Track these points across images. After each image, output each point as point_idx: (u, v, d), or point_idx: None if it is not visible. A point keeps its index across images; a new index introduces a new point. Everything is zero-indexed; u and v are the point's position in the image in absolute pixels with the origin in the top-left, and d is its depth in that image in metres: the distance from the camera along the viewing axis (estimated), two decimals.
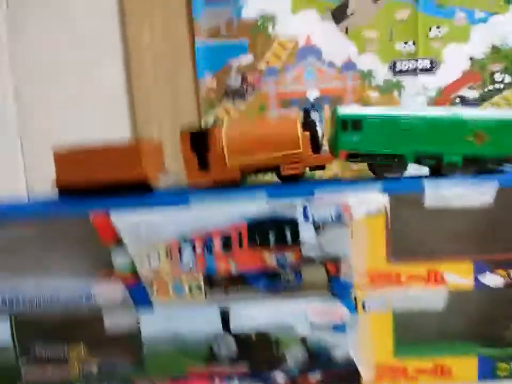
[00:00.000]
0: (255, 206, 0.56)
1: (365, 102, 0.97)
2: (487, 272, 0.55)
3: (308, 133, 0.64)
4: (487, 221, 0.61)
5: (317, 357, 0.57)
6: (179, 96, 0.98)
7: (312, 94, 0.98)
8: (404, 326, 0.57)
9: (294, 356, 0.58)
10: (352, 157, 0.61)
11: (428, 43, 0.95)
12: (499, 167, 0.61)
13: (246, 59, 0.97)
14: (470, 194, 0.55)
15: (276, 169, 0.63)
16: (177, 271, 0.58)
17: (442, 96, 0.96)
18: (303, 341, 0.57)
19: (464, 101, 0.97)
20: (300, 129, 0.63)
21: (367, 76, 0.96)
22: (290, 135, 0.62)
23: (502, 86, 0.97)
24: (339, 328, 0.56)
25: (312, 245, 0.55)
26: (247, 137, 0.63)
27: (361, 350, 0.58)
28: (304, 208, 0.53)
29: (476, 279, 0.56)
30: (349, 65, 0.96)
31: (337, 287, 0.57)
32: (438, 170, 0.62)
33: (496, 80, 0.97)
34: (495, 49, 0.95)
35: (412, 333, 0.58)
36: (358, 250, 0.56)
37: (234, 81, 0.98)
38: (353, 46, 0.95)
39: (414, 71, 0.95)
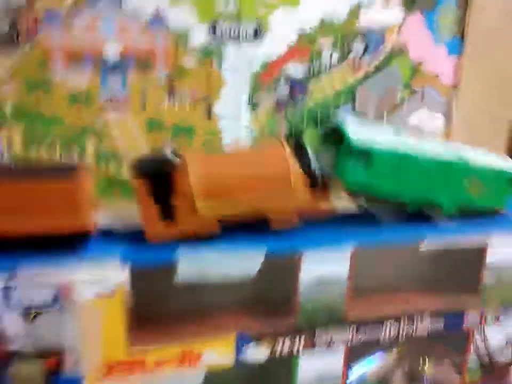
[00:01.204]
0: None
1: (180, 71, 0.79)
2: (251, 344, 0.48)
3: (304, 175, 0.49)
4: (253, 291, 0.53)
5: None
6: None
7: (112, 51, 0.76)
8: None
9: None
10: (354, 195, 0.51)
11: (253, 4, 0.80)
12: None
13: None
14: (232, 263, 0.46)
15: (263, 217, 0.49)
16: None
17: (268, 71, 0.85)
18: None
19: (290, 80, 0.87)
20: (293, 169, 0.48)
21: (181, 36, 0.78)
22: (281, 177, 0.47)
23: (330, 64, 0.90)
24: None
25: (21, 337, 0.38)
26: (224, 178, 0.47)
27: None
28: (5, 289, 0.35)
29: (237, 354, 0.49)
30: (158, 20, 0.77)
31: None
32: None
33: (324, 56, 0.89)
34: (325, 22, 0.86)
35: None
36: (89, 338, 0.43)
37: None
38: None
39: (237, 38, 0.81)
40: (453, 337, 0.58)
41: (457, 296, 0.57)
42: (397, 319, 0.54)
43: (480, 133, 1.11)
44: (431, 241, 0.52)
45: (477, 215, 0.55)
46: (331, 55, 0.88)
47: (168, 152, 0.48)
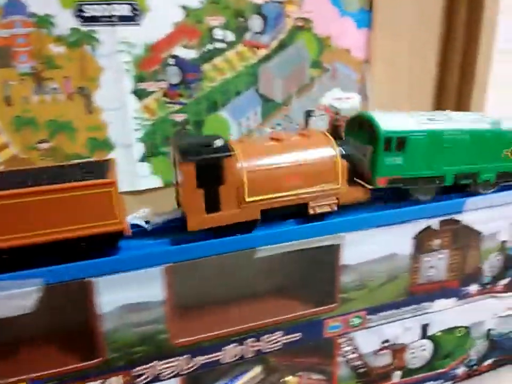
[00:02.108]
0: None
1: (47, 61, 0.72)
2: None
3: (345, 162, 0.50)
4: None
5: None
6: None
7: None
8: None
9: None
10: (394, 183, 0.51)
11: None
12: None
13: None
14: None
15: (301, 206, 0.48)
16: None
17: (152, 55, 0.77)
18: None
19: (180, 63, 0.80)
20: (339, 157, 0.49)
21: (44, 22, 0.70)
22: (328, 165, 0.48)
23: (224, 45, 0.83)
24: None
25: None
26: (273, 167, 0.47)
27: None
28: None
29: None
30: (15, 5, 0.68)
31: None
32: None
33: (216, 37, 0.82)
34: None
35: None
36: None
37: None
38: None
39: (110, 20, 0.73)
40: (316, 346, 0.52)
41: (313, 302, 0.51)
42: (243, 336, 0.48)
43: (401, 107, 1.07)
44: (267, 247, 0.45)
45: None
46: (224, 34, 0.82)
47: (217, 139, 0.46)
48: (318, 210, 0.49)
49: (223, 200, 0.45)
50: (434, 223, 0.53)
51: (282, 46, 0.87)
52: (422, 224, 0.52)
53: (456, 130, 0.52)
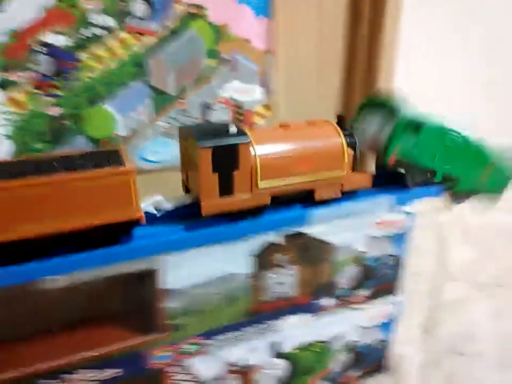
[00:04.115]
0: None
1: None
2: None
3: (351, 151, 0.53)
4: None
5: None
6: None
7: None
8: None
9: None
10: (398, 165, 0.55)
11: None
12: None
13: None
14: None
15: (308, 192, 0.51)
16: None
17: (18, 42, 0.70)
18: None
19: (53, 51, 0.73)
20: (345, 146, 0.52)
21: None
22: (335, 153, 0.51)
23: (103, 31, 0.77)
24: None
25: None
26: (284, 154, 0.49)
27: None
28: None
29: None
30: None
31: None
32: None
33: (93, 22, 0.76)
34: None
35: None
36: None
37: None
38: None
39: None
40: (145, 378, 0.48)
41: (135, 332, 0.46)
42: (51, 375, 0.43)
43: (306, 102, 1.03)
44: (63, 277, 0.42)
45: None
46: (103, 19, 0.75)
47: (231, 126, 0.47)
48: (325, 197, 0.51)
49: (236, 185, 0.47)
50: (277, 237, 0.50)
51: (173, 34, 0.81)
52: (261, 240, 0.49)
53: (458, 133, 0.57)
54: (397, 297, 0.62)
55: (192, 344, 0.48)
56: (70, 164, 0.41)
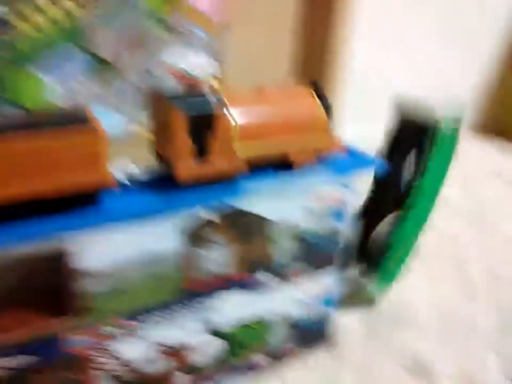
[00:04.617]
0: None
1: None
2: None
3: (327, 116, 0.52)
4: None
5: None
6: None
7: None
8: None
9: None
10: None
11: None
12: None
13: None
14: None
15: (284, 157, 0.51)
16: None
17: None
18: None
19: None
20: (321, 111, 0.51)
21: None
22: (312, 118, 0.51)
23: None
24: None
25: None
26: (260, 119, 0.48)
27: None
28: None
29: None
30: None
31: None
32: None
33: None
34: None
35: None
36: None
37: None
38: None
39: None
40: (63, 363, 0.44)
41: (48, 316, 0.43)
42: None
43: (259, 76, 1.00)
44: None
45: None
46: None
47: (207, 92, 0.46)
48: (301, 162, 0.51)
49: (212, 150, 0.46)
50: (210, 213, 0.48)
51: None
52: (192, 215, 0.46)
53: None
54: (337, 271, 0.62)
55: (115, 326, 0.46)
56: (30, 124, 0.37)
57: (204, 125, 0.44)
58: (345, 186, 0.55)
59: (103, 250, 0.42)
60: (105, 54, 0.82)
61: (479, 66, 1.52)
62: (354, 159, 0.55)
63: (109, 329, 0.46)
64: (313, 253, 0.57)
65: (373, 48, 1.15)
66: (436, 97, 0.65)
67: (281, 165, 0.51)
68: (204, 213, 0.47)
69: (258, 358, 0.60)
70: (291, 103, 0.51)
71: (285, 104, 0.50)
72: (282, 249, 0.55)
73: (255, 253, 0.53)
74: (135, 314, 0.47)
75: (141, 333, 0.48)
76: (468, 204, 1.07)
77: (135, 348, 0.48)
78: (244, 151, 0.47)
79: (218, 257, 0.50)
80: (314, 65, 1.02)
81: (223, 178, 0.47)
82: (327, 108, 0.52)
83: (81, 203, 0.40)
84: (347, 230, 0.59)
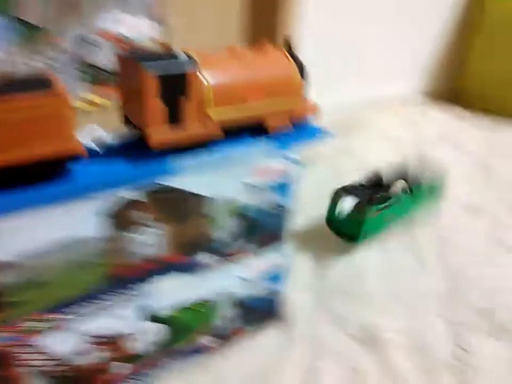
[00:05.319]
0: None
1: None
2: None
3: (301, 78, 0.49)
4: None
5: None
6: None
7: None
8: None
9: None
10: None
11: None
12: None
13: None
14: None
15: (260, 121, 0.48)
16: None
17: None
18: None
19: None
20: (296, 70, 0.49)
21: None
22: (288, 78, 0.48)
23: None
24: None
25: None
26: (234, 80, 0.46)
27: None
28: None
29: None
30: None
31: None
32: None
33: None
34: None
35: None
36: None
37: None
38: None
39: None
40: None
41: None
42: None
43: (205, 39, 0.94)
44: None
45: None
46: None
47: (180, 54, 0.44)
48: (276, 125, 0.49)
49: (185, 114, 0.44)
50: (136, 193, 0.43)
51: None
52: (114, 197, 0.42)
53: None
54: (284, 247, 0.60)
55: (38, 320, 0.42)
56: None
57: (176, 86, 0.42)
58: (288, 158, 0.52)
59: (10, 239, 0.37)
60: (33, 19, 0.74)
61: (437, 34, 1.51)
62: (299, 130, 0.51)
63: (30, 324, 0.42)
64: (257, 230, 0.54)
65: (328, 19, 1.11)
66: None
67: (255, 129, 0.48)
68: (126, 193, 0.43)
69: (204, 340, 0.58)
70: (265, 64, 0.48)
71: (259, 65, 0.48)
72: (222, 227, 0.51)
73: (192, 233, 0.49)
74: (59, 307, 0.43)
75: (68, 326, 0.44)
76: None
77: (63, 341, 0.44)
78: (218, 114, 0.45)
79: (148, 239, 0.46)
80: (265, 27, 0.97)
81: (197, 143, 0.45)
82: (300, 68, 0.49)
83: (48, 174, 0.37)
84: (292, 203, 0.56)
